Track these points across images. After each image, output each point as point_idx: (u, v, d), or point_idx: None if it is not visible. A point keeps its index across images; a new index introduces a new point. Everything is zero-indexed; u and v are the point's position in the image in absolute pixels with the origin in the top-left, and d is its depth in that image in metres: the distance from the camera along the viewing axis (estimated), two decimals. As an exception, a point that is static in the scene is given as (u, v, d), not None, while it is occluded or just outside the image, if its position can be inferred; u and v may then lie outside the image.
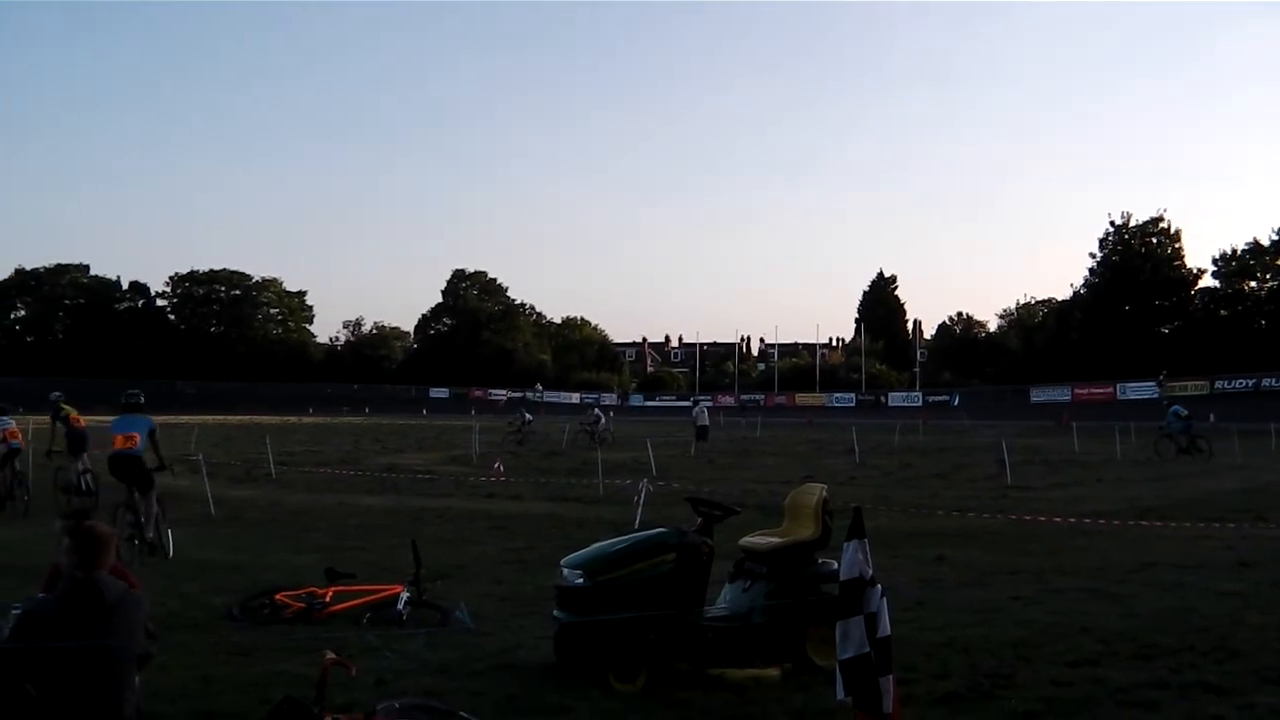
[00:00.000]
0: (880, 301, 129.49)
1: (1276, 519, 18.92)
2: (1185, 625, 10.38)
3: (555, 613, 8.93)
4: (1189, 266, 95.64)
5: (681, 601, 8.65)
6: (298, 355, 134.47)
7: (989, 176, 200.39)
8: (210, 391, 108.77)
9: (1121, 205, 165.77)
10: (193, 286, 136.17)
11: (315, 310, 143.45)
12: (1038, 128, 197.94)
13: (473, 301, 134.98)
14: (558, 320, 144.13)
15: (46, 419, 23.08)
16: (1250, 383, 75.61)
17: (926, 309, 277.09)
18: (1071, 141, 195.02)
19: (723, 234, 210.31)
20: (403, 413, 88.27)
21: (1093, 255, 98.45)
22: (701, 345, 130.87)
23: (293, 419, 75.74)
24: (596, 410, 45.69)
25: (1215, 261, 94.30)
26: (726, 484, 25.99)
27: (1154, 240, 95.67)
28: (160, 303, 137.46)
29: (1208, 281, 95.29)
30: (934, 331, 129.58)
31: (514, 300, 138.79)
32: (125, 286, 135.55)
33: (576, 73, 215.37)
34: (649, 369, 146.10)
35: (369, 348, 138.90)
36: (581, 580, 8.67)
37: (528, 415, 46.64)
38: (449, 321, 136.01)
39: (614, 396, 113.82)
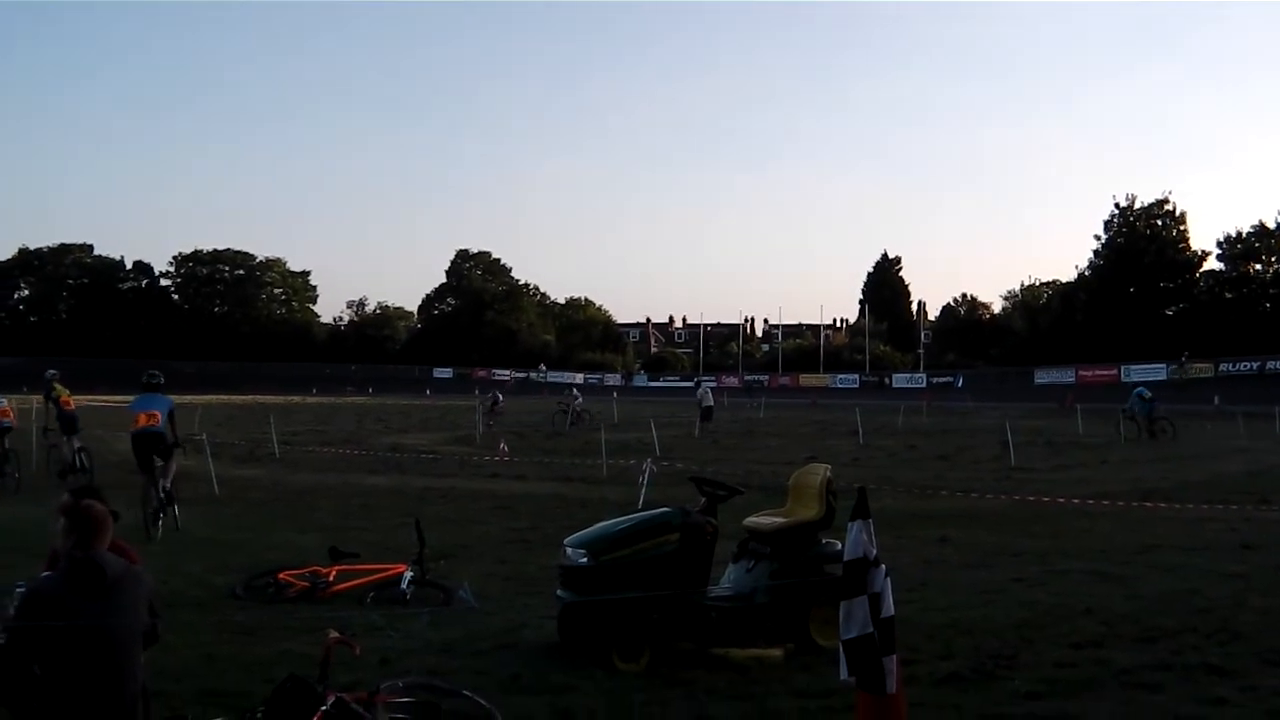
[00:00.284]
0: (885, 283, 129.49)
1: (1280, 501, 18.91)
2: (1188, 607, 10.39)
3: (559, 592, 8.95)
4: (1194, 249, 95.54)
5: (685, 581, 8.66)
6: (302, 335, 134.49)
7: (994, 158, 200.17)
8: (214, 371, 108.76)
9: (1126, 187, 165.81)
10: (197, 266, 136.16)
11: (319, 290, 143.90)
12: (1043, 109, 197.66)
13: (477, 282, 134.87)
14: (562, 300, 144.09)
15: (44, 398, 23.34)
16: (1255, 365, 75.50)
17: (931, 290, 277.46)
18: (1077, 123, 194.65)
19: (727, 214, 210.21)
20: (406, 393, 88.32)
21: (1097, 237, 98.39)
22: (705, 326, 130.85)
23: (296, 399, 75.76)
24: (575, 390, 45.23)
25: (1220, 244, 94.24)
26: (730, 464, 25.98)
27: (1159, 222, 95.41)
28: (164, 283, 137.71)
29: (1213, 264, 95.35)
30: (938, 313, 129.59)
31: (518, 280, 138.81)
32: (129, 266, 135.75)
33: (582, 51, 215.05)
34: (653, 349, 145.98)
35: (373, 328, 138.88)
36: (585, 560, 8.69)
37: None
38: (453, 302, 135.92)
39: (618, 377, 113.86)
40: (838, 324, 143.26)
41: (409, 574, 11.24)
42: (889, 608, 5.81)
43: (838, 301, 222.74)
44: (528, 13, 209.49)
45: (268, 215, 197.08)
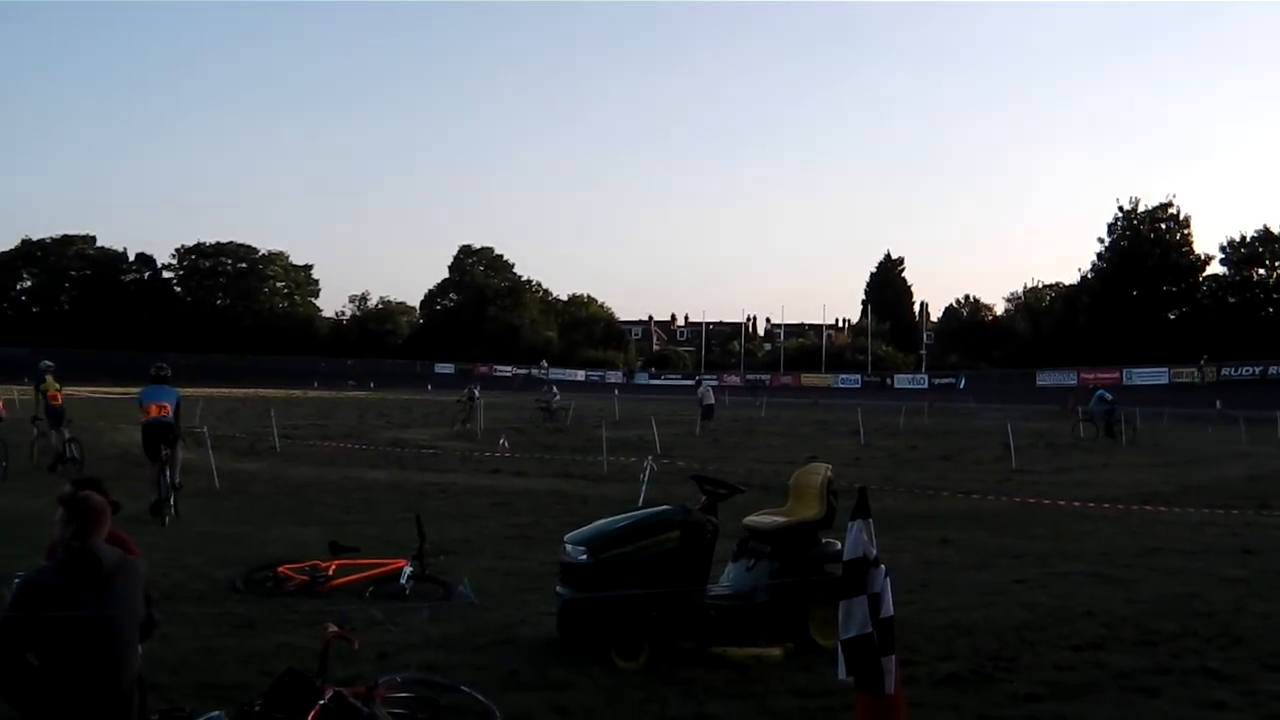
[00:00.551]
0: (887, 283, 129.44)
1: (1281, 506, 18.90)
2: (1188, 611, 10.39)
3: (558, 589, 8.95)
4: (1197, 253, 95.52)
5: (685, 579, 8.66)
6: (303, 329, 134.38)
7: (998, 159, 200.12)
8: (215, 364, 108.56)
9: (1130, 190, 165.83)
10: (199, 259, 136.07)
11: (321, 284, 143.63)
12: (1048, 110, 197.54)
13: (479, 277, 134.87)
14: (564, 297, 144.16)
15: (35, 387, 23.68)
16: (1257, 370, 75.47)
17: (933, 291, 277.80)
18: (1081, 125, 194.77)
19: (731, 214, 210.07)
20: (408, 388, 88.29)
21: (1101, 240, 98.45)
22: (708, 324, 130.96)
23: (298, 393, 75.70)
24: (554, 387, 44.88)
25: (1224, 248, 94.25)
26: (731, 463, 25.98)
27: (1163, 226, 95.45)
28: (166, 275, 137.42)
29: (1216, 268, 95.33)
30: (940, 314, 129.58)
31: (521, 277, 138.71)
32: (132, 258, 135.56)
33: (588, 48, 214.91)
34: (655, 347, 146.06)
35: (375, 322, 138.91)
36: (585, 557, 8.69)
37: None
38: (455, 297, 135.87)
39: (620, 374, 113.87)
40: (840, 324, 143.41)
41: (409, 569, 11.24)
42: (888, 608, 5.80)
43: (840, 302, 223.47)
44: (533, 8, 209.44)
45: (271, 209, 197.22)
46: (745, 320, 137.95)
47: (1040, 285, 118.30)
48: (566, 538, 9.08)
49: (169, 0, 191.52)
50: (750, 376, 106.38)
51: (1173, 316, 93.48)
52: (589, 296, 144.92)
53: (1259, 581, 11.89)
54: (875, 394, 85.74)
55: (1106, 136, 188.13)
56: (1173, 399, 56.34)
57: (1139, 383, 77.27)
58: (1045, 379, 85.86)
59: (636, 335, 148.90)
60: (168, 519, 15.90)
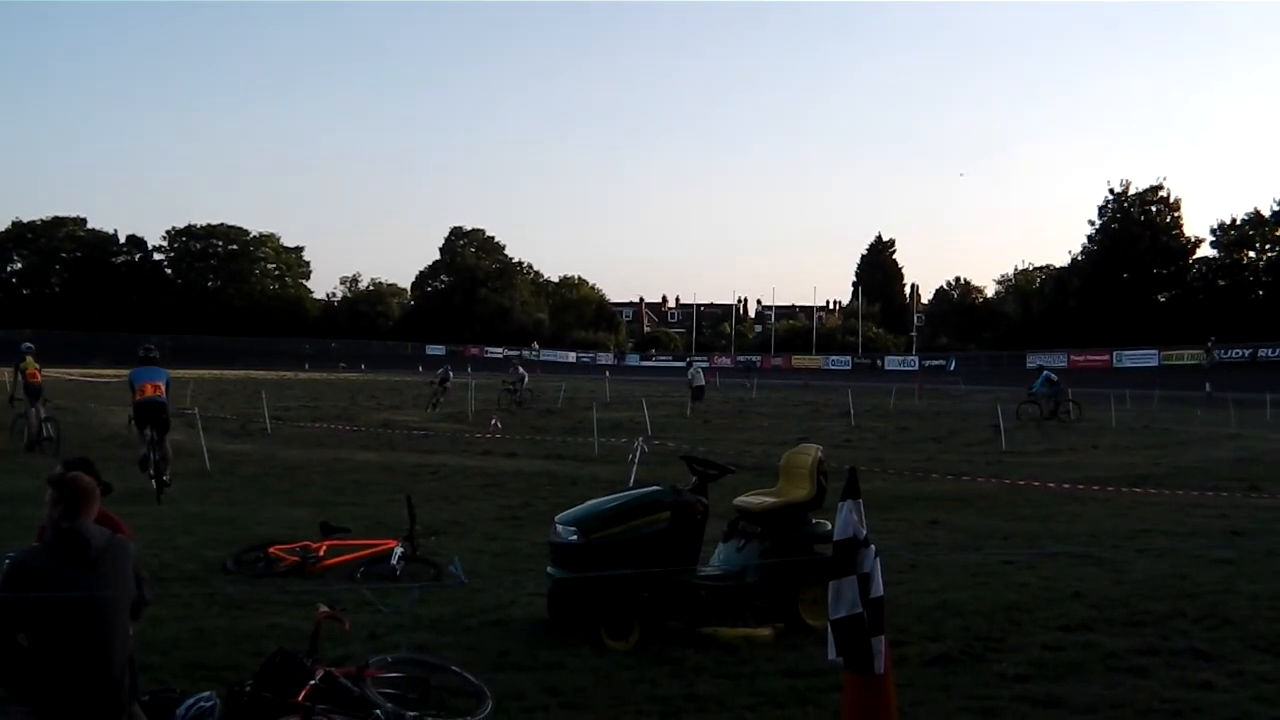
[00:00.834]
0: (878, 265, 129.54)
1: (1270, 488, 18.91)
2: (1177, 592, 10.42)
3: (549, 569, 8.96)
4: (1188, 235, 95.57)
5: (675, 560, 8.65)
6: (294, 311, 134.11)
7: (989, 142, 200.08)
8: (206, 346, 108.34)
9: (1121, 173, 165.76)
10: (190, 241, 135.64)
11: (312, 266, 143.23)
12: (1039, 94, 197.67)
13: (470, 259, 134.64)
14: (555, 279, 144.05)
15: (14, 369, 23.86)
16: (1246, 352, 75.57)
17: (924, 274, 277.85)
18: (1073, 108, 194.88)
19: (721, 195, 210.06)
20: (399, 369, 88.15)
21: (1091, 223, 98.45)
22: (698, 306, 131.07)
23: (289, 374, 75.61)
24: (521, 369, 44.59)
25: (1214, 231, 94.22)
26: (722, 444, 26.03)
27: (1153, 209, 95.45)
28: (157, 257, 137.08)
29: (1206, 251, 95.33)
30: (931, 296, 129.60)
31: (512, 258, 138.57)
32: (122, 240, 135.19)
33: (576, 29, 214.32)
34: (646, 329, 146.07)
35: (366, 304, 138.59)
36: (576, 537, 8.69)
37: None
38: (446, 279, 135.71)
39: (610, 356, 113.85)
40: (831, 306, 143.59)
41: (399, 550, 11.24)
42: (878, 588, 5.79)
43: (831, 284, 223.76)
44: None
45: (262, 190, 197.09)
46: (736, 302, 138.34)
47: (1031, 267, 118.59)
48: (557, 518, 9.07)
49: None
50: (741, 358, 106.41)
51: (1163, 299, 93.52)
52: (580, 278, 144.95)
53: (1247, 563, 11.93)
54: (866, 376, 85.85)
55: (1097, 119, 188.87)
56: (1163, 381, 56.37)
57: (1129, 365, 77.41)
58: (1035, 361, 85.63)
59: (627, 317, 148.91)
60: (157, 494, 16.61)
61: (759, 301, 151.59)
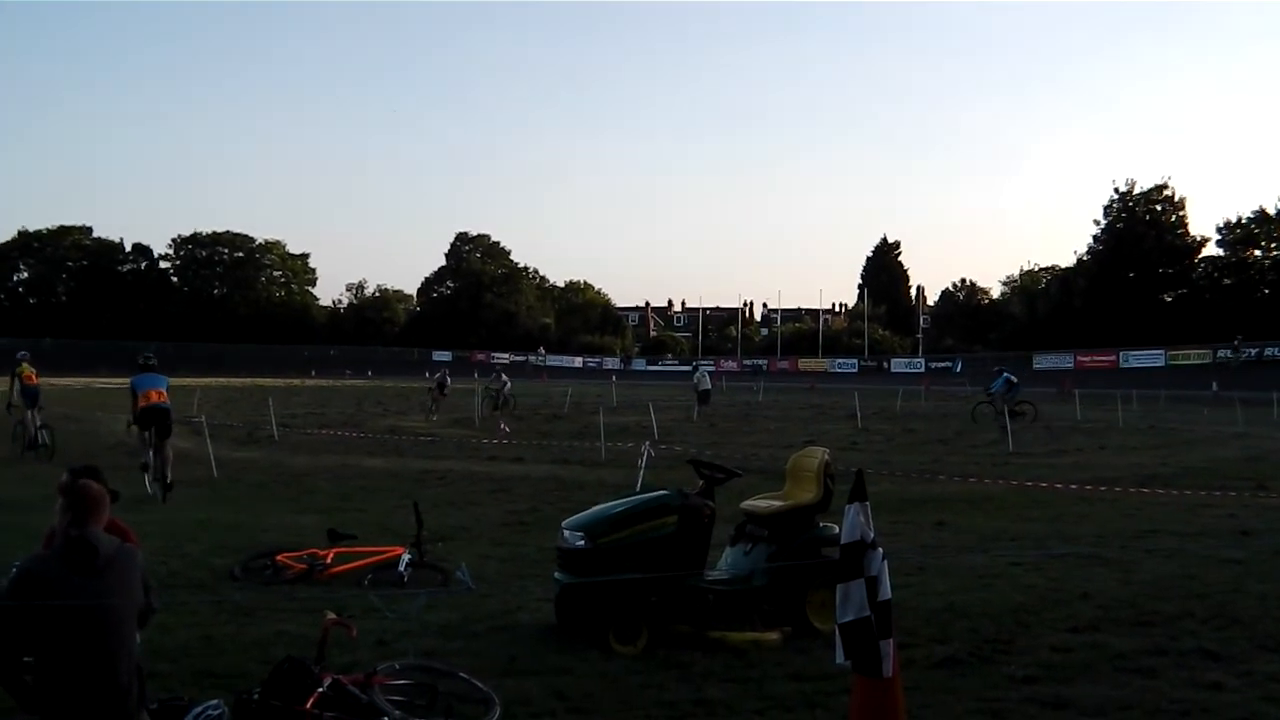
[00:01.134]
0: (884, 267, 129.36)
1: (1278, 488, 18.89)
2: (1185, 592, 10.40)
3: (556, 574, 8.96)
4: (1193, 234, 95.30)
5: (682, 564, 8.66)
6: (300, 318, 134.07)
7: (994, 143, 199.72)
8: (212, 353, 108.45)
9: (1126, 172, 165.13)
10: (195, 249, 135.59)
11: (318, 273, 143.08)
12: (1044, 94, 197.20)
13: (476, 264, 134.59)
14: (561, 284, 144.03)
15: (10, 376, 24.01)
16: (1253, 351, 75.40)
17: (930, 275, 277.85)
18: (1077, 107, 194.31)
19: (726, 198, 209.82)
20: (405, 375, 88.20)
21: (1097, 222, 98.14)
22: (704, 310, 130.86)
23: (295, 381, 75.76)
24: (504, 376, 44.59)
25: (1220, 230, 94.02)
26: (728, 447, 26.02)
27: (1158, 208, 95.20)
28: (163, 265, 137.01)
29: (1211, 250, 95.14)
30: (937, 298, 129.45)
31: (517, 263, 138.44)
32: (128, 248, 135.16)
33: (580, 33, 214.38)
34: (652, 333, 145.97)
35: (372, 310, 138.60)
36: (583, 542, 8.69)
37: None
38: (452, 284, 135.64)
39: (617, 360, 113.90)
40: (836, 308, 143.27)
41: (407, 556, 11.24)
42: (886, 591, 5.79)
43: (836, 286, 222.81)
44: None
45: (267, 197, 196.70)
46: (742, 305, 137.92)
47: (1036, 268, 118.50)
48: (564, 523, 9.07)
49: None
50: (747, 361, 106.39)
51: (1169, 299, 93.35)
52: (585, 283, 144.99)
53: (1255, 562, 11.91)
54: (872, 378, 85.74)
55: (1102, 119, 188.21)
56: (1169, 381, 56.29)
57: (1135, 365, 77.29)
58: (1042, 362, 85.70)
59: (633, 321, 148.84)
60: (161, 497, 17.29)
61: (765, 305, 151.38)
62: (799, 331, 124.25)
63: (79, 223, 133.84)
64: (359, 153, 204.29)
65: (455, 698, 6.90)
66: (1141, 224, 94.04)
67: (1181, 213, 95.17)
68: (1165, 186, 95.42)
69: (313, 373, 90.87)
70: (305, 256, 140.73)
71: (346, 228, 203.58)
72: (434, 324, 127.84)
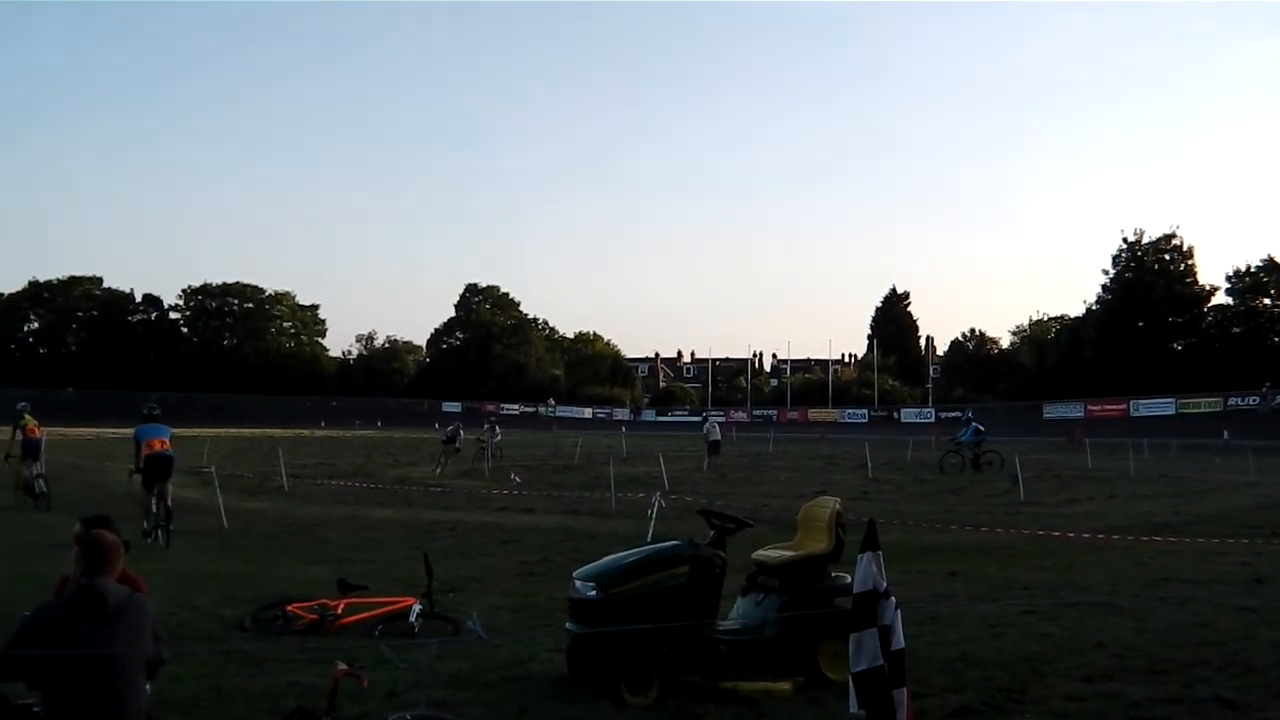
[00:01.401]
0: (893, 318, 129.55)
1: (1291, 535, 18.84)
2: (1199, 640, 10.34)
3: (568, 625, 8.93)
4: (1202, 283, 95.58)
5: (694, 614, 8.64)
6: (310, 368, 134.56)
7: (1002, 193, 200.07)
8: (222, 404, 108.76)
9: (1134, 222, 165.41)
10: (205, 299, 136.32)
11: (328, 323, 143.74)
12: (1050, 143, 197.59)
13: (485, 315, 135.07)
14: (570, 335, 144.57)
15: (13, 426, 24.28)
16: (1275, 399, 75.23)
17: (939, 325, 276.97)
18: (1085, 157, 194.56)
19: (735, 250, 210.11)
20: (415, 426, 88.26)
21: (1105, 272, 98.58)
22: (714, 360, 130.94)
23: (305, 432, 75.88)
24: (495, 428, 44.62)
25: (1229, 278, 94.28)
26: (739, 497, 25.98)
27: (1167, 257, 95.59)
28: (173, 315, 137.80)
29: (1221, 298, 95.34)
30: (946, 348, 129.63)
31: (527, 314, 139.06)
32: (139, 299, 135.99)
33: (588, 85, 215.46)
34: (661, 384, 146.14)
35: (381, 361, 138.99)
36: (594, 592, 8.67)
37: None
38: (461, 335, 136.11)
39: (626, 411, 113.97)
40: (846, 359, 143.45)
41: (417, 607, 11.23)
42: (899, 640, 5.80)
43: (846, 336, 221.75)
44: (536, 44, 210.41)
45: (278, 248, 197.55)
46: (751, 356, 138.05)
47: (1046, 318, 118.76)
48: (576, 573, 9.06)
49: (171, 36, 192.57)
50: (757, 412, 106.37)
51: (1179, 347, 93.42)
52: (595, 334, 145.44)
53: (1269, 610, 11.83)
54: (882, 428, 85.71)
55: (1110, 169, 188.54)
56: (1180, 429, 56.17)
57: (1146, 414, 77.17)
58: (1052, 411, 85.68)
59: (643, 372, 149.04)
60: (165, 541, 17.93)
61: (774, 355, 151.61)
62: (808, 382, 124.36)
63: (89, 273, 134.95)
64: (368, 204, 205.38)
65: (467, 748, 6.87)
66: (1150, 273, 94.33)
67: (1190, 261, 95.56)
68: (1173, 235, 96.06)
69: (322, 423, 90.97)
70: (315, 307, 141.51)
71: (356, 279, 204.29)
72: (443, 375, 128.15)
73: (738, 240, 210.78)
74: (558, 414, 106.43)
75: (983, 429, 37.01)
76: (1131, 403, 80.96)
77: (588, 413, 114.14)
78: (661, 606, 8.53)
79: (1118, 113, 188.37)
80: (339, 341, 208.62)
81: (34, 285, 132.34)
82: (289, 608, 11.52)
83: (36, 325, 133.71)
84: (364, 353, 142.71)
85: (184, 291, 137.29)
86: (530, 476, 34.46)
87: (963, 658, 9.68)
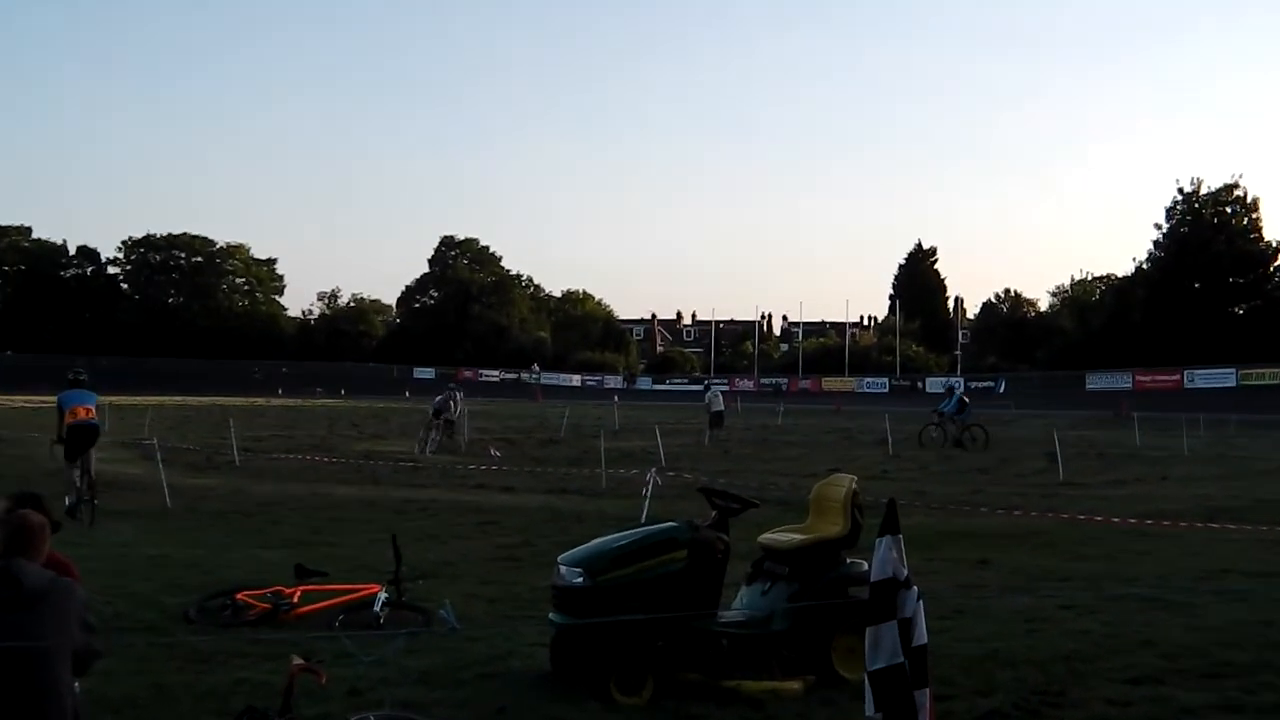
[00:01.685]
0: (918, 276, 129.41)
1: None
2: (1260, 640, 10.32)
3: (551, 615, 8.93)
4: (1267, 240, 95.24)
5: (693, 604, 8.64)
6: (266, 330, 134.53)
7: (1041, 138, 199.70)
8: (167, 369, 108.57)
9: (1191, 171, 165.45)
10: (148, 252, 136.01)
11: (286, 280, 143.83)
12: (1097, 83, 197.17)
13: (463, 272, 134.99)
14: (558, 294, 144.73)
15: None
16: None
17: (970, 285, 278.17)
18: (1135, 99, 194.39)
19: (742, 199, 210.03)
20: (383, 395, 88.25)
21: (1158, 226, 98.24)
22: (717, 323, 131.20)
23: (260, 400, 75.90)
24: (458, 393, 43.91)
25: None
26: (744, 475, 26.03)
27: (1227, 210, 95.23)
28: (112, 270, 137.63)
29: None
30: (977, 310, 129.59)
31: (509, 271, 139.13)
32: (72, 251, 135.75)
33: (588, 24, 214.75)
34: (659, 349, 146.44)
35: (346, 322, 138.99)
36: (581, 579, 8.66)
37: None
38: (436, 294, 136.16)
39: (620, 379, 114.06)
40: (865, 322, 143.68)
41: (383, 595, 11.20)
42: (921, 635, 5.78)
43: (865, 297, 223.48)
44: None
45: (230, 196, 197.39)
46: (759, 318, 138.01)
47: (1090, 278, 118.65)
48: (561, 559, 9.05)
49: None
50: (765, 380, 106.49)
51: (1240, 311, 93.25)
52: (585, 293, 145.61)
53: (1338, 606, 11.86)
54: (905, 399, 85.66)
55: (1164, 112, 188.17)
56: (1241, 403, 56.24)
57: (1202, 385, 77.21)
58: (1095, 382, 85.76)
59: (638, 335, 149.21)
60: (90, 519, 17.95)
61: (785, 318, 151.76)
62: (823, 347, 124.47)
63: (16, 222, 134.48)
64: (334, 148, 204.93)
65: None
66: (1209, 228, 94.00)
67: (1254, 215, 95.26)
68: (1236, 186, 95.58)
69: (279, 391, 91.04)
70: (272, 262, 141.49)
71: (318, 231, 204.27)
72: (415, 338, 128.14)
73: (744, 189, 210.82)
74: (543, 381, 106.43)
75: (968, 400, 37.13)
76: (1186, 373, 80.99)
77: (576, 380, 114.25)
78: (657, 595, 8.51)
79: (1172, 49, 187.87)
80: (298, 300, 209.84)
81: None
82: (239, 596, 11.50)
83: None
84: (326, 312, 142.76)
85: (124, 243, 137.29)
86: (511, 451, 34.52)
87: (992, 656, 9.69)
